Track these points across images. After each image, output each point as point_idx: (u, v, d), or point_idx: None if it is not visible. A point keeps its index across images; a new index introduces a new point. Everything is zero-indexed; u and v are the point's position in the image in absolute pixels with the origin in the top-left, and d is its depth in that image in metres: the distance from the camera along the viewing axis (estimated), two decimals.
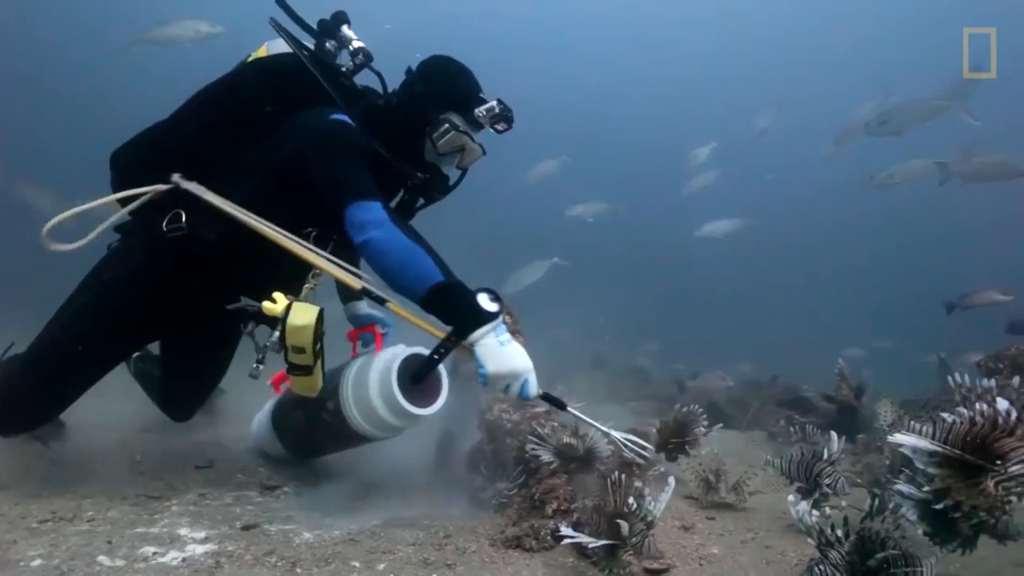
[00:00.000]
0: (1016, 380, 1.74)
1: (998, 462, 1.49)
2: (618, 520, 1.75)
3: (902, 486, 1.82)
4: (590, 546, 1.76)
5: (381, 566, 1.75)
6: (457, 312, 1.86)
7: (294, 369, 2.04)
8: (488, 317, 1.82)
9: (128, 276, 2.23)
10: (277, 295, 1.96)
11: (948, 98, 6.23)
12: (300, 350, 1.97)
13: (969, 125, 6.16)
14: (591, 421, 2.09)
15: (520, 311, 3.20)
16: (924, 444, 1.56)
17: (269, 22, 2.23)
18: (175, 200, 2.15)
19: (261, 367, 2.23)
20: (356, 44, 2.24)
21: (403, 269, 1.87)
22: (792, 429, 2.83)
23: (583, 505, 2.12)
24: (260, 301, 2.03)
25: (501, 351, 1.82)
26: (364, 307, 2.73)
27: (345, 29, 2.26)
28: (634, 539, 1.74)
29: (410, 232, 1.91)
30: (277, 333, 1.99)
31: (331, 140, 2.07)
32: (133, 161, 2.27)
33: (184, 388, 2.66)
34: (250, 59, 2.34)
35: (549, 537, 2.01)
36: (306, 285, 2.20)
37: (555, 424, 2.78)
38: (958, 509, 1.56)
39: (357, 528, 2.08)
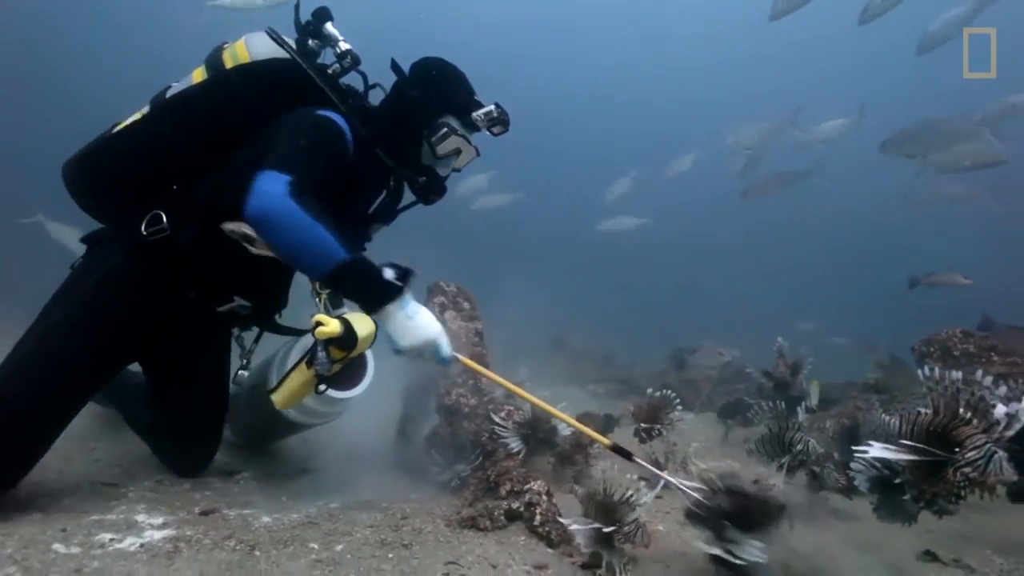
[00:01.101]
0: (979, 373, 1.84)
1: (956, 450, 1.68)
2: (612, 508, 1.86)
3: (855, 463, 2.03)
4: (581, 533, 1.84)
5: (339, 547, 1.81)
6: (364, 289, 1.86)
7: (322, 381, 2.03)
8: (395, 291, 1.84)
9: (109, 282, 2.08)
10: (319, 316, 1.89)
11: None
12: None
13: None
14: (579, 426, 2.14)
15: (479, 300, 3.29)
16: (890, 454, 1.75)
17: (267, 32, 2.20)
18: (150, 201, 2.10)
19: (246, 373, 2.25)
20: (344, 46, 2.19)
21: (305, 247, 1.79)
22: (756, 410, 2.98)
23: (538, 487, 2.20)
24: (250, 300, 2.08)
25: (410, 324, 1.85)
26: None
27: (329, 27, 2.20)
28: (626, 528, 1.84)
29: (311, 208, 1.79)
30: (322, 349, 1.89)
31: (308, 120, 2.04)
32: (116, 180, 2.15)
33: (191, 416, 2.39)
34: (226, 50, 2.22)
35: (502, 517, 2.10)
36: (318, 299, 2.25)
37: (510, 408, 2.88)
38: (921, 497, 1.75)
39: (315, 511, 2.13)
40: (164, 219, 2.06)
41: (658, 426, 3.11)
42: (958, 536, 2.30)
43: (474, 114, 2.19)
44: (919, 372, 1.84)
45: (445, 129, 2.19)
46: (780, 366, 4.08)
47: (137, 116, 2.22)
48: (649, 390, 3.39)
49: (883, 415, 2.04)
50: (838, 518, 2.64)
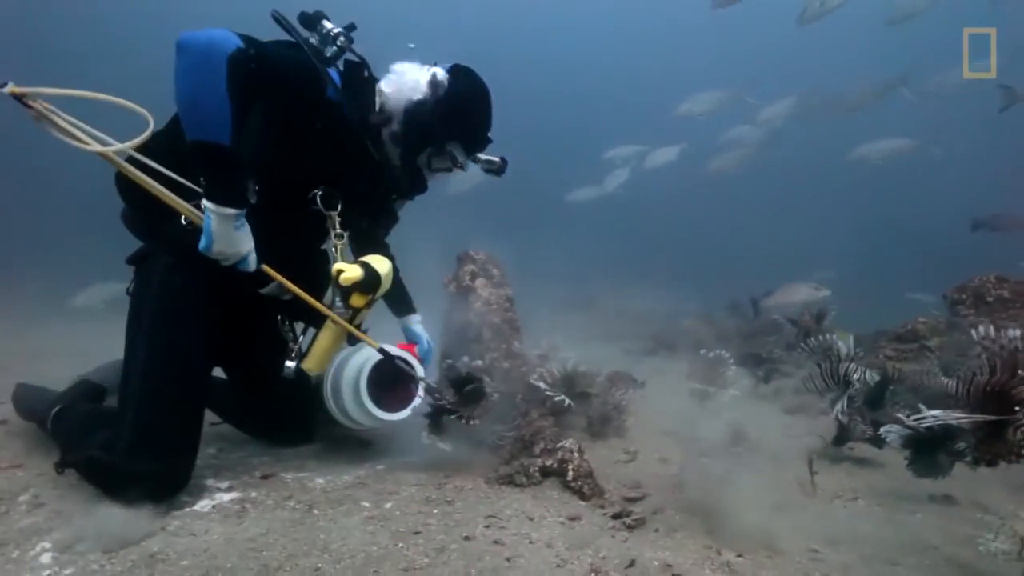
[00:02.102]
0: None
1: (1016, 409, 1.69)
2: None
3: (888, 426, 2.10)
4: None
5: (388, 504, 1.97)
6: (221, 178, 1.82)
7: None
8: (243, 202, 1.84)
9: (172, 284, 2.12)
10: (339, 265, 2.07)
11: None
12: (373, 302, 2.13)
13: None
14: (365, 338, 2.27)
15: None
16: (951, 417, 1.80)
17: (272, 15, 2.21)
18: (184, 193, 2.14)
19: (293, 365, 2.30)
20: (335, 30, 2.23)
21: (198, 102, 1.75)
22: (805, 345, 3.06)
23: (570, 445, 2.33)
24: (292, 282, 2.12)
25: (235, 233, 1.85)
26: (415, 322, 2.86)
27: (325, 23, 2.24)
28: None
29: (234, 81, 1.77)
30: (339, 297, 2.12)
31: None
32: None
33: (280, 398, 2.51)
34: None
35: (537, 474, 2.24)
36: (334, 251, 2.23)
37: (542, 370, 3.00)
38: (982, 457, 1.80)
39: (364, 473, 2.31)
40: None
41: (712, 387, 3.21)
42: (986, 481, 2.33)
43: (481, 156, 2.29)
44: (972, 332, 1.85)
45: (447, 154, 2.25)
46: (805, 315, 4.13)
47: None
48: (702, 351, 3.47)
49: (943, 378, 2.11)
50: (863, 466, 2.71)
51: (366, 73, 2.31)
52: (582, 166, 12.37)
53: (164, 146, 1.93)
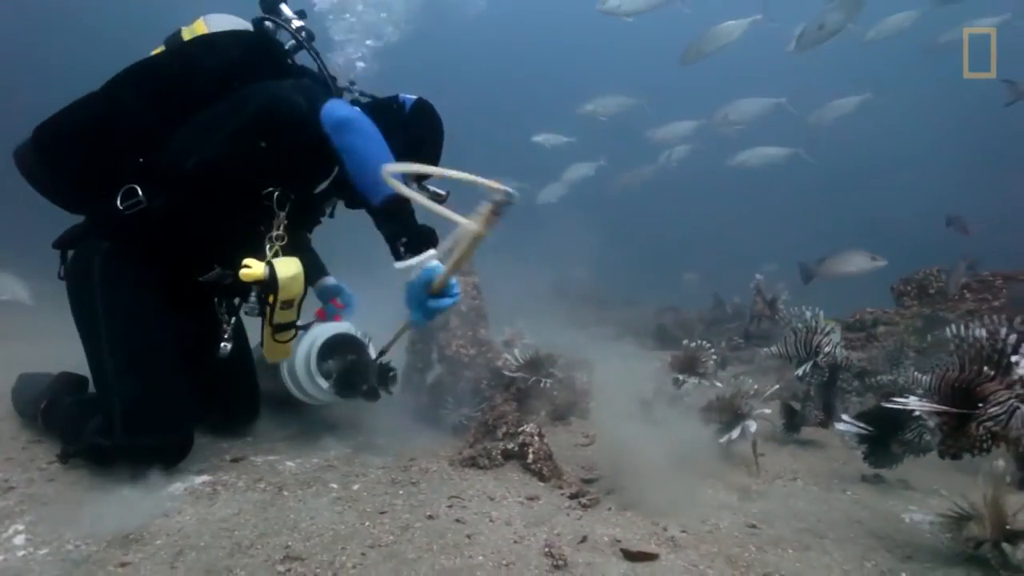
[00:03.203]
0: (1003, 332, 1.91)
1: (980, 405, 1.80)
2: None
3: (841, 425, 2.27)
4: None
5: (355, 486, 2.06)
6: (417, 228, 1.93)
7: (279, 330, 2.25)
8: (434, 240, 1.93)
9: (113, 277, 2.14)
10: (248, 260, 2.09)
11: None
12: (289, 304, 2.16)
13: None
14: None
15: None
16: (927, 407, 1.88)
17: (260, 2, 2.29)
18: (121, 179, 2.16)
19: (229, 346, 2.37)
20: (296, 23, 2.31)
21: (377, 156, 1.88)
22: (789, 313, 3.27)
23: (531, 429, 2.45)
24: (230, 268, 2.17)
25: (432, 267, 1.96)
26: (331, 280, 2.95)
27: (284, 8, 2.31)
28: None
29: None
30: (254, 296, 2.18)
31: (314, 87, 2.21)
32: (88, 154, 2.19)
33: (225, 381, 2.52)
34: (184, 31, 2.32)
35: (499, 456, 2.36)
36: (269, 250, 2.23)
37: (506, 356, 3.12)
38: (947, 450, 1.89)
39: (333, 455, 2.39)
40: (139, 192, 2.12)
41: (693, 377, 3.36)
42: (915, 463, 2.52)
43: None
44: (947, 330, 1.97)
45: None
46: (758, 302, 4.30)
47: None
48: (685, 341, 3.62)
49: (916, 372, 2.28)
50: (807, 448, 2.89)
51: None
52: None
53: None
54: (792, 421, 3.05)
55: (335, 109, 1.98)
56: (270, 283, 2.09)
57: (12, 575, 1.40)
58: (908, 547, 1.77)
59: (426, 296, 1.85)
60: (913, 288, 4.33)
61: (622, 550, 1.66)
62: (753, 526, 1.89)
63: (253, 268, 2.08)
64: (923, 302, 4.21)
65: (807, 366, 2.96)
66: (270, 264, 2.10)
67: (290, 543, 1.62)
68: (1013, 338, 1.84)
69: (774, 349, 3.20)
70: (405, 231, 1.89)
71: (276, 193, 2.25)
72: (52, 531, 1.62)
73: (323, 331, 2.62)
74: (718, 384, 3.09)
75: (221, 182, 2.17)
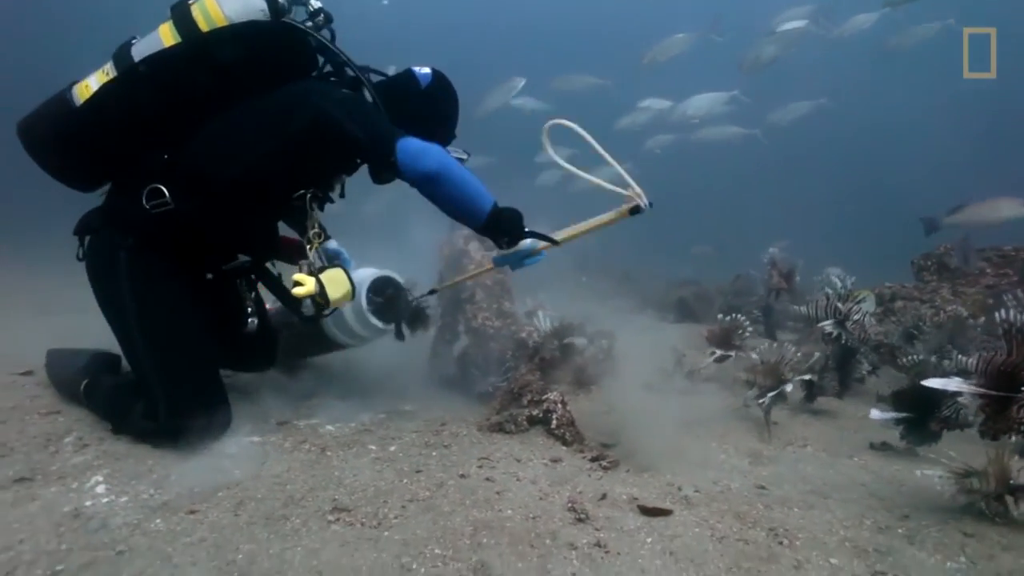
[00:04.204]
0: None
1: (1022, 388, 1.85)
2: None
3: (875, 413, 2.33)
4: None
5: (392, 448, 2.24)
6: (514, 225, 2.14)
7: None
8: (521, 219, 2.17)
9: (141, 274, 2.20)
10: (297, 276, 2.11)
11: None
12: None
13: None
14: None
15: None
16: (965, 388, 1.92)
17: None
18: (145, 175, 2.17)
19: (256, 320, 2.51)
20: (315, 4, 2.29)
21: (470, 197, 2.07)
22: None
23: (555, 396, 2.59)
24: (250, 255, 2.32)
25: (532, 243, 2.21)
26: (332, 243, 2.91)
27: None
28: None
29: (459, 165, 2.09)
30: (308, 303, 2.18)
31: (361, 104, 2.23)
32: (97, 153, 2.22)
33: (246, 355, 2.66)
34: (194, 7, 2.17)
35: (525, 422, 2.51)
36: (310, 250, 2.30)
37: (530, 328, 3.25)
38: (988, 431, 1.93)
39: (368, 420, 2.57)
40: (166, 192, 2.14)
41: (731, 352, 3.50)
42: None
43: (451, 147, 2.39)
44: (996, 315, 1.99)
45: None
46: (774, 276, 4.37)
47: (103, 77, 2.19)
48: (720, 315, 3.77)
49: (960, 356, 2.47)
50: (819, 417, 3.00)
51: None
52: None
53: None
54: (810, 392, 3.16)
55: (418, 157, 2.02)
56: (321, 297, 2.11)
57: (101, 517, 1.59)
58: (907, 507, 1.90)
59: (520, 258, 2.21)
60: (933, 263, 4.36)
61: (639, 506, 1.81)
62: (762, 487, 2.03)
63: (306, 285, 2.08)
64: (942, 277, 4.24)
65: (832, 323, 3.15)
66: (320, 282, 2.10)
67: (337, 496, 1.80)
68: None
69: (803, 310, 3.34)
70: (505, 235, 2.15)
71: (308, 195, 2.31)
72: (127, 483, 1.82)
73: (368, 273, 2.81)
74: (754, 355, 3.20)
75: (258, 191, 2.23)
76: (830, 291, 3.30)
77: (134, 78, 2.16)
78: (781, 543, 1.64)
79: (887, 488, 2.06)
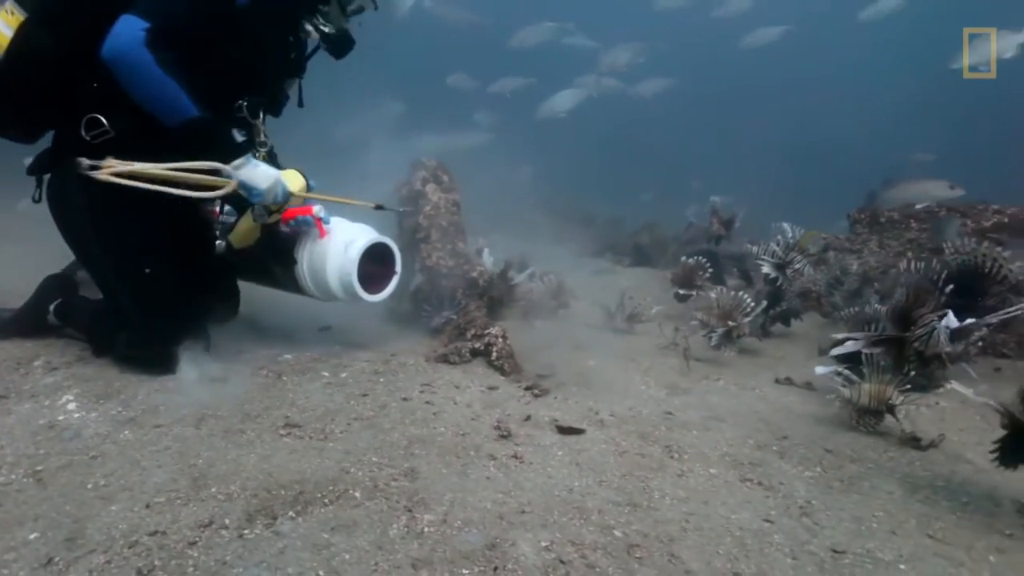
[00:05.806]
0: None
1: (912, 328, 2.27)
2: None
3: (820, 369, 2.57)
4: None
5: (343, 374, 2.46)
6: (218, 143, 2.15)
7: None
8: (245, 146, 2.21)
9: (100, 209, 2.23)
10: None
11: None
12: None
13: None
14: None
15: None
16: (859, 346, 2.32)
17: None
18: (81, 108, 2.16)
19: (223, 243, 2.61)
20: None
21: (157, 99, 2.02)
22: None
23: (496, 331, 2.82)
24: None
25: (259, 170, 2.22)
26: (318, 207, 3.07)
27: None
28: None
29: (165, 61, 1.99)
30: (260, 209, 2.38)
31: None
32: (34, 98, 2.20)
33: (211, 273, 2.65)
34: None
35: (467, 354, 2.74)
36: (260, 152, 2.43)
37: (481, 268, 3.45)
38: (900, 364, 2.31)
39: (323, 351, 2.76)
40: (104, 121, 2.15)
41: (692, 291, 3.84)
42: None
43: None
44: (944, 245, 2.52)
45: None
46: (714, 223, 4.63)
47: (10, 19, 2.15)
48: (683, 257, 4.07)
49: (876, 305, 2.70)
50: (741, 355, 3.31)
51: None
52: None
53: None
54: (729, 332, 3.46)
55: (111, 38, 2.00)
56: (243, 190, 2.22)
57: (75, 428, 1.79)
58: (787, 429, 2.21)
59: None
60: (866, 216, 4.64)
61: (556, 426, 2.07)
62: (669, 413, 2.32)
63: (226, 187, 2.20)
64: (873, 229, 4.54)
65: (772, 266, 3.52)
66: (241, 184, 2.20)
67: (289, 414, 2.02)
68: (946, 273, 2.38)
69: (754, 249, 3.70)
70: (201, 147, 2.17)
71: (245, 104, 2.40)
72: (96, 402, 2.01)
73: (359, 235, 2.65)
74: (712, 295, 3.47)
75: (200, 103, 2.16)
76: (780, 238, 3.57)
77: (48, 12, 2.14)
78: (672, 457, 1.92)
79: (777, 415, 2.37)
